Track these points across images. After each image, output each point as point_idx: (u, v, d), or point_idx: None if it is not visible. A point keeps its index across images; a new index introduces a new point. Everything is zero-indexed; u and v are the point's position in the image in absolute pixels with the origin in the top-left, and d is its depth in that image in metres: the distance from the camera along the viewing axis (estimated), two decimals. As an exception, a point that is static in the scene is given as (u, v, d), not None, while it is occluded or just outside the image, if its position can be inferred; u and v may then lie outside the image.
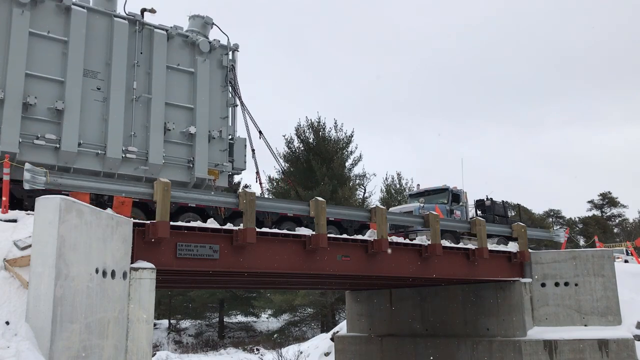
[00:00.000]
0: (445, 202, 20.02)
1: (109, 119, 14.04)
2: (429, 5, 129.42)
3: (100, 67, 14.27)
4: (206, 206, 14.09)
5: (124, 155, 14.13)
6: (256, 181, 17.52)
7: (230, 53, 16.89)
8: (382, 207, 14.86)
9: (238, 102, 16.93)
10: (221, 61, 16.52)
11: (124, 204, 11.94)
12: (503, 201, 21.78)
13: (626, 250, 30.61)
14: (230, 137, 16.42)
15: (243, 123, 17.27)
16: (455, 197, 20.24)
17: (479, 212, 21.40)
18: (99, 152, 13.84)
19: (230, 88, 16.65)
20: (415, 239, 16.72)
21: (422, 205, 18.79)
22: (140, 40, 15.01)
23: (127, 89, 14.52)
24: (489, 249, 16.91)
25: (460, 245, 17.41)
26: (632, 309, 17.44)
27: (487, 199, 21.29)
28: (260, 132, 17.50)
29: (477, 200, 21.63)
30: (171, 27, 15.66)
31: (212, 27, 16.78)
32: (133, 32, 14.93)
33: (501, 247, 18.50)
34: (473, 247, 16.86)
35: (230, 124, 16.53)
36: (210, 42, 16.20)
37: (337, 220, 15.90)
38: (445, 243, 16.27)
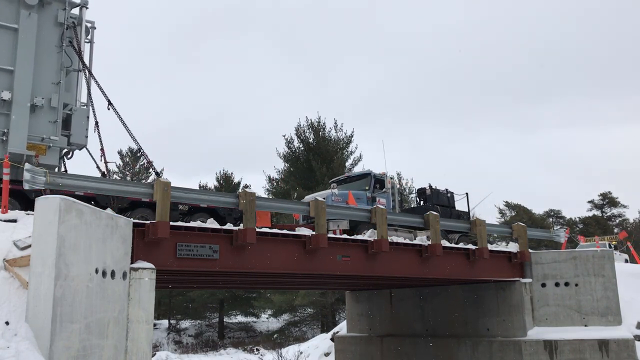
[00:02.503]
0: (367, 188, 18.31)
1: None
2: (428, 5, 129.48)
3: None
4: (217, 206, 13.58)
5: None
6: (100, 159, 14.96)
7: (78, 10, 14.55)
8: (382, 207, 14.81)
9: (81, 67, 14.43)
10: (57, 17, 13.96)
11: None
12: (447, 190, 20.18)
13: (609, 244, 30.25)
14: (69, 107, 14.05)
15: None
16: (379, 183, 18.57)
17: (420, 202, 19.95)
18: None
19: (73, 50, 14.22)
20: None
21: (334, 192, 17.57)
22: None
23: None
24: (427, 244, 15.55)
25: (461, 245, 17.37)
26: (632, 309, 17.44)
27: (429, 187, 19.72)
28: (109, 102, 14.98)
29: (418, 189, 20.26)
30: None
31: None
32: None
33: (494, 247, 18.15)
34: (420, 241, 15.44)
35: (68, 92, 14.13)
36: None
37: (210, 206, 14.01)
38: (369, 235, 14.94)
